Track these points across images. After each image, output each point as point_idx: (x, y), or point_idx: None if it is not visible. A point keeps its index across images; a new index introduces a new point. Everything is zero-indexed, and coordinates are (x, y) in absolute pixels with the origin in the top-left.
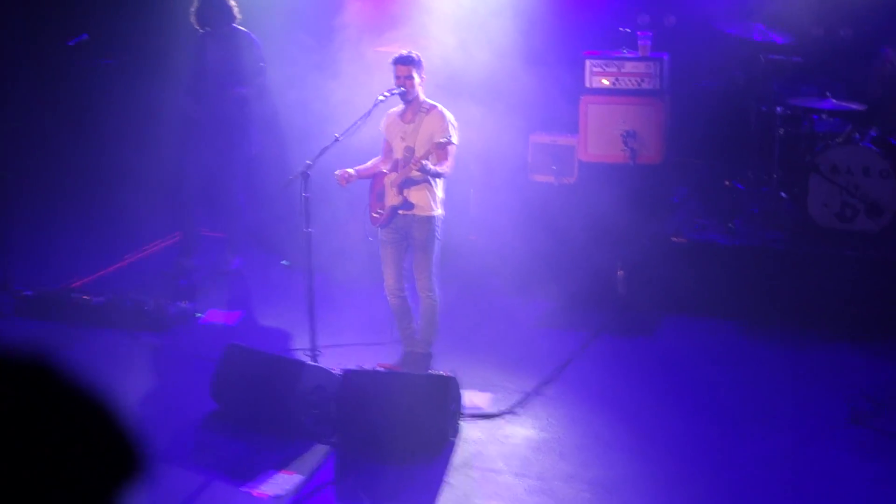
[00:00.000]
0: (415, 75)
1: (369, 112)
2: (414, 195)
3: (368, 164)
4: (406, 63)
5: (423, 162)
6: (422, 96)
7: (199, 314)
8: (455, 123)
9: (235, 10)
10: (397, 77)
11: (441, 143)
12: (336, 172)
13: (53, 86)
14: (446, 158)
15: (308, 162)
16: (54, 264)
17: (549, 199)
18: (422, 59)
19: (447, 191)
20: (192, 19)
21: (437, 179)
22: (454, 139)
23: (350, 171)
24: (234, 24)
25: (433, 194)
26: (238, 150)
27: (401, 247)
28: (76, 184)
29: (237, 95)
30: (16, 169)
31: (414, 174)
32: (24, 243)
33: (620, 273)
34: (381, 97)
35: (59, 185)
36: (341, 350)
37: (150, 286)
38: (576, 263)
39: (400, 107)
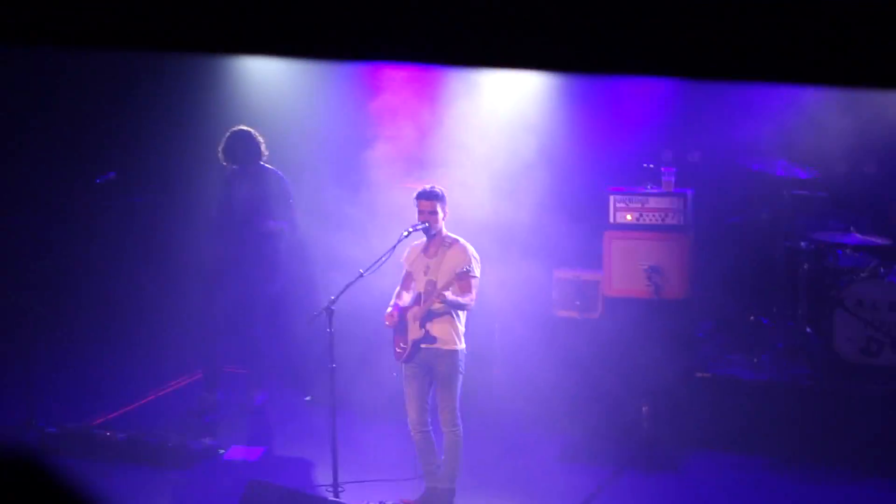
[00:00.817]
0: (438, 210)
1: (393, 247)
2: (436, 329)
3: (396, 297)
4: (430, 198)
5: (445, 293)
6: (444, 230)
7: (222, 450)
8: (477, 257)
9: (263, 147)
10: (421, 212)
11: (462, 273)
12: (386, 314)
13: (80, 223)
14: (469, 290)
15: (332, 297)
16: (78, 401)
17: (574, 333)
18: (445, 194)
19: (471, 325)
20: (220, 156)
21: (460, 313)
22: (476, 272)
23: (394, 312)
24: (262, 162)
25: (456, 328)
26: (263, 285)
27: (424, 381)
28: (100, 320)
29: (267, 230)
30: (40, 304)
31: (436, 307)
32: (49, 380)
33: (645, 408)
34: (405, 232)
35: (83, 320)
36: (364, 486)
37: (174, 423)
38: (600, 398)
39: (422, 240)
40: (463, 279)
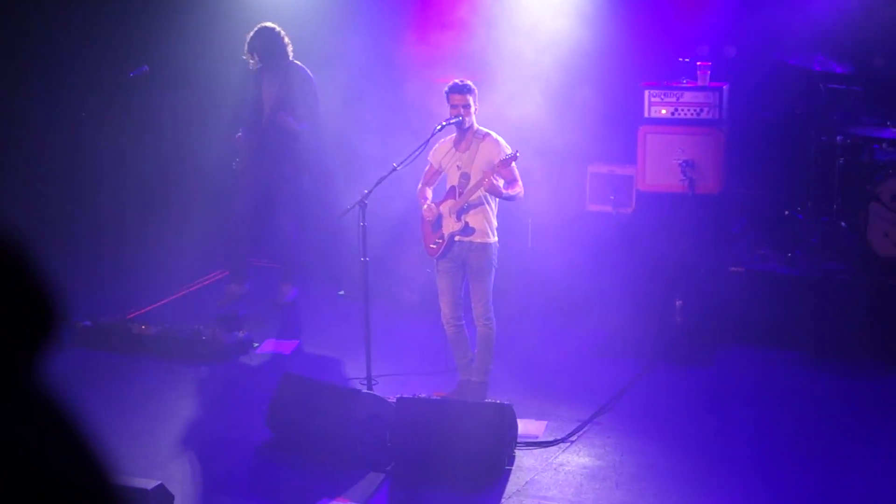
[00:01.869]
0: (471, 103)
1: (427, 141)
2: (472, 221)
3: (424, 193)
4: (462, 91)
5: (494, 181)
6: (476, 124)
7: (256, 344)
8: (509, 147)
9: (289, 45)
10: (453, 106)
11: (504, 161)
12: (424, 207)
13: (112, 117)
14: (516, 179)
15: (365, 191)
16: (111, 295)
17: (607, 229)
18: (475, 88)
19: (504, 220)
20: (247, 55)
21: (493, 206)
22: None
23: (433, 205)
24: (289, 59)
25: (490, 221)
26: (291, 182)
27: (457, 276)
28: (132, 215)
29: (288, 128)
30: (72, 200)
31: (473, 198)
32: (82, 275)
33: (678, 303)
34: (438, 126)
35: (114, 216)
36: (397, 379)
37: (207, 317)
38: (633, 293)
39: (451, 136)
40: (505, 167)
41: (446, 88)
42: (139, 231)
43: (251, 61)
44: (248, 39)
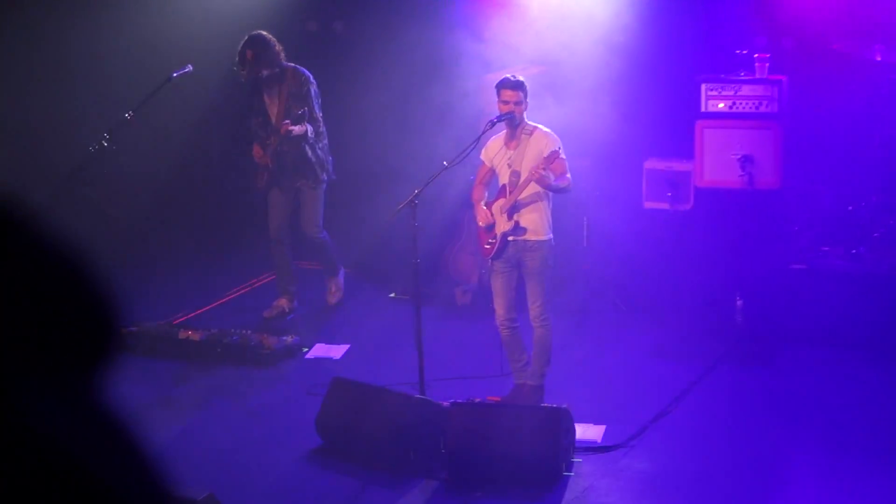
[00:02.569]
0: (522, 99)
1: (478, 139)
2: (525, 220)
3: (478, 192)
4: (514, 87)
5: (543, 172)
6: (526, 120)
7: (305, 349)
8: (559, 139)
9: (281, 50)
10: (504, 102)
11: (551, 154)
12: (479, 211)
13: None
14: (564, 171)
15: (416, 190)
16: (156, 300)
17: (665, 226)
18: (526, 83)
19: (560, 218)
20: (238, 67)
21: (547, 203)
22: (562, 153)
23: (486, 209)
24: (284, 63)
25: (544, 218)
26: (312, 188)
27: (512, 276)
28: (177, 219)
29: (289, 135)
30: (115, 204)
31: (525, 194)
32: (127, 280)
33: (739, 302)
34: (488, 124)
35: (159, 220)
36: (450, 383)
37: (254, 322)
38: (692, 292)
39: (502, 134)
40: (553, 160)
41: (497, 84)
42: (182, 234)
43: (242, 73)
44: (238, 50)
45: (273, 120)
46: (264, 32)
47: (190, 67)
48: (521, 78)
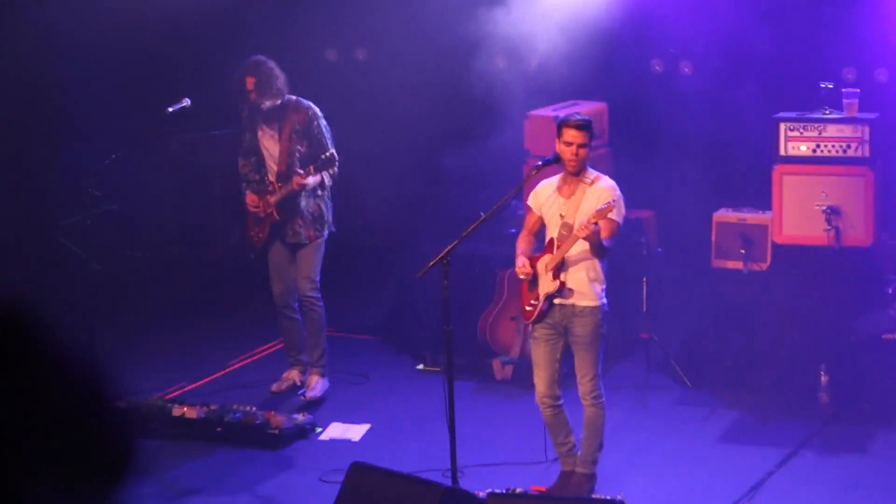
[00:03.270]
0: (587, 142)
1: (521, 185)
2: (573, 280)
3: (523, 244)
4: (581, 127)
5: (594, 227)
6: (587, 167)
7: (319, 429)
8: (622, 199)
9: (284, 78)
10: (567, 143)
11: (605, 207)
12: (519, 265)
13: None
14: (609, 234)
15: (448, 246)
16: (148, 371)
17: (738, 288)
18: (593, 124)
19: (613, 278)
20: (237, 99)
21: (601, 262)
22: (617, 214)
23: (527, 261)
24: (286, 96)
25: (596, 279)
26: (311, 240)
27: (556, 345)
28: (171, 281)
29: (300, 186)
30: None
31: (573, 254)
32: (112, 346)
33: (824, 378)
34: (534, 168)
35: (150, 282)
36: (487, 470)
37: (260, 397)
38: (770, 366)
39: (554, 178)
40: (605, 216)
41: (560, 121)
42: (177, 294)
43: (241, 110)
44: (234, 77)
45: (274, 163)
46: (264, 57)
47: (187, 101)
48: (588, 118)
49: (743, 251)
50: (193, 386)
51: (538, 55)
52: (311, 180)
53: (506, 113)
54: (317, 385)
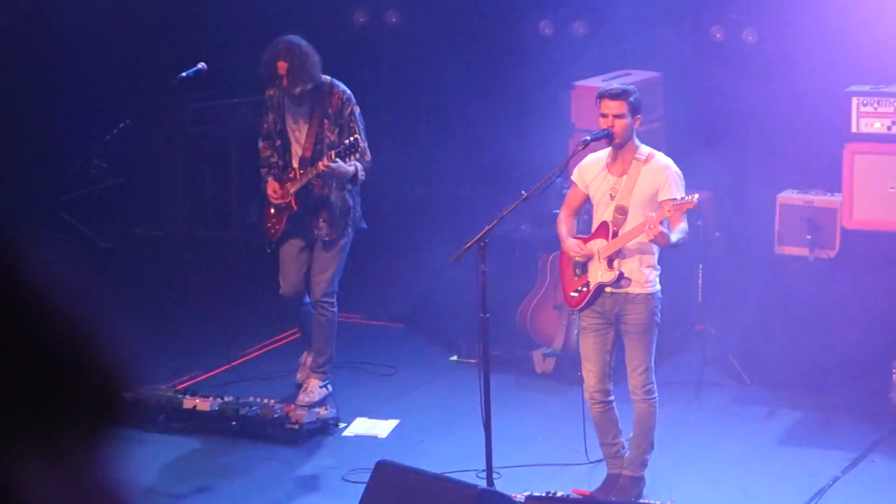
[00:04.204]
0: (627, 113)
1: (567, 161)
2: (628, 268)
3: (567, 224)
4: (618, 97)
5: (664, 230)
6: (636, 142)
7: (343, 424)
8: (682, 178)
9: (318, 60)
10: (605, 115)
11: (680, 205)
12: (571, 246)
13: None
14: (680, 222)
15: (486, 227)
16: (157, 359)
17: (803, 277)
18: (638, 95)
19: (668, 267)
20: (268, 84)
21: (656, 248)
22: (683, 195)
23: (579, 241)
24: (322, 78)
25: (651, 266)
26: (333, 239)
27: (607, 335)
28: (185, 258)
29: (341, 173)
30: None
31: (632, 244)
32: (119, 332)
33: (895, 376)
34: (581, 144)
35: (162, 266)
36: (525, 471)
37: (279, 388)
38: (837, 362)
39: (603, 152)
40: (678, 212)
41: (599, 93)
42: (191, 276)
43: (270, 92)
44: (264, 60)
45: (300, 148)
46: (297, 38)
47: (203, 66)
48: (631, 87)
49: (809, 237)
50: (206, 376)
51: (587, 20)
52: (341, 166)
53: (551, 84)
54: (314, 391)
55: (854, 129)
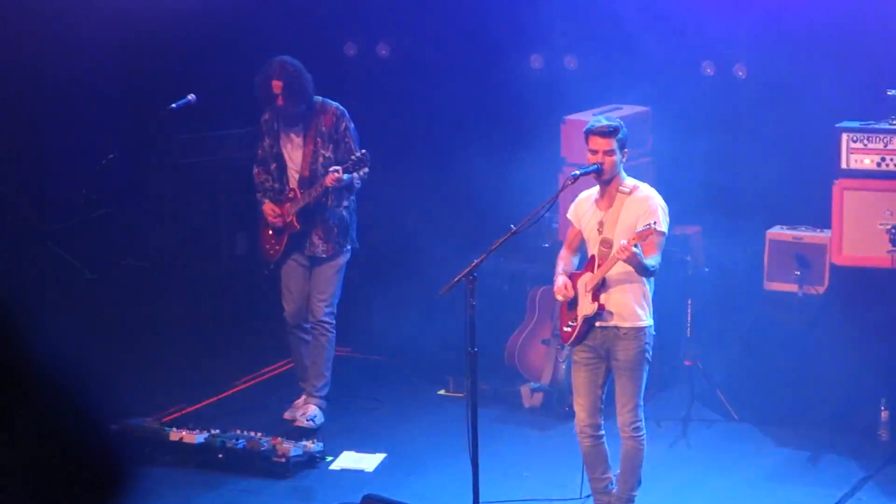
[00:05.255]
0: (615, 149)
1: (555, 196)
2: (615, 302)
3: (564, 261)
4: (605, 134)
5: (635, 249)
6: (622, 175)
7: (330, 458)
8: (665, 207)
9: (310, 79)
10: (593, 151)
11: (645, 230)
12: (558, 285)
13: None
14: (654, 251)
15: (474, 261)
16: (142, 392)
17: (791, 313)
18: (625, 129)
19: (658, 303)
20: (263, 103)
21: (647, 282)
22: (663, 226)
23: (568, 281)
24: (317, 98)
25: (641, 300)
26: (332, 255)
27: (598, 370)
28: (171, 289)
29: (335, 183)
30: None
31: (615, 274)
32: (104, 364)
33: (884, 413)
34: (570, 178)
35: (147, 296)
36: None
37: (266, 422)
38: (825, 399)
39: (593, 190)
40: (647, 237)
41: (586, 129)
42: (177, 307)
43: (264, 116)
44: (258, 82)
45: (296, 169)
46: (289, 58)
47: (192, 97)
48: (618, 122)
49: (798, 273)
50: (193, 408)
51: (577, 54)
52: (345, 178)
53: (541, 118)
54: (314, 415)
55: (844, 165)
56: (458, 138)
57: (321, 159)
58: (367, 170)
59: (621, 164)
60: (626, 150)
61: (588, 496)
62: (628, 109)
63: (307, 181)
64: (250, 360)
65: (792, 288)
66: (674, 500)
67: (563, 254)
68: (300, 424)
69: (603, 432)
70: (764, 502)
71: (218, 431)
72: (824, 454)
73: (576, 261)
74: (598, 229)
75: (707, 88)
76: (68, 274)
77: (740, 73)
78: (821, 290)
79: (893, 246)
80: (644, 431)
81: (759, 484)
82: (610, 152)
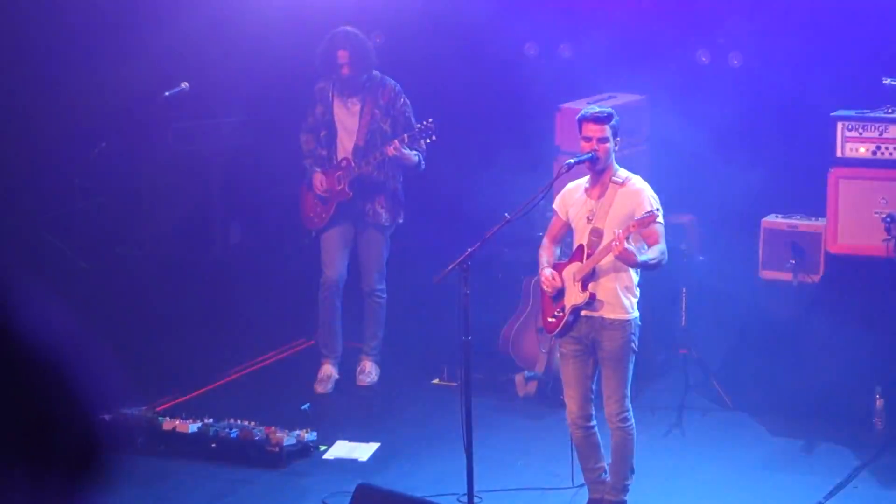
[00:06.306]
0: (609, 137)
1: (549, 185)
2: (603, 291)
3: (547, 252)
4: (600, 121)
5: (629, 247)
6: (615, 165)
7: (323, 447)
8: (657, 198)
9: (375, 54)
10: (586, 139)
11: (645, 217)
12: (545, 277)
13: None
14: (657, 240)
15: (469, 249)
16: (135, 380)
17: (786, 302)
18: (617, 118)
19: (651, 292)
20: (325, 74)
21: (633, 272)
22: (659, 216)
23: (555, 272)
24: (374, 72)
25: (628, 291)
26: (383, 228)
27: (587, 361)
28: (165, 276)
29: (408, 161)
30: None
31: (603, 264)
32: (98, 352)
33: (879, 401)
34: (564, 167)
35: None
36: (507, 496)
37: (259, 410)
38: (820, 388)
39: (584, 179)
40: (648, 225)
41: (579, 116)
42: (172, 295)
43: (321, 84)
44: (320, 51)
45: (350, 138)
46: (354, 28)
47: (186, 85)
48: (611, 110)
49: (793, 261)
50: (187, 397)
51: (572, 43)
52: (411, 155)
53: (536, 106)
54: (372, 371)
55: (839, 154)
56: (451, 126)
57: (379, 132)
58: (434, 137)
59: (614, 153)
60: (618, 138)
61: (581, 485)
62: (623, 98)
63: (361, 150)
64: (244, 349)
65: (787, 276)
66: (668, 488)
67: (546, 244)
68: (361, 384)
69: (594, 423)
70: (758, 490)
71: (211, 421)
72: (819, 442)
73: (558, 251)
74: (588, 218)
75: (702, 77)
76: (62, 263)
77: (735, 62)
78: (816, 278)
79: (888, 235)
80: (632, 421)
81: (754, 472)
82: (603, 139)
